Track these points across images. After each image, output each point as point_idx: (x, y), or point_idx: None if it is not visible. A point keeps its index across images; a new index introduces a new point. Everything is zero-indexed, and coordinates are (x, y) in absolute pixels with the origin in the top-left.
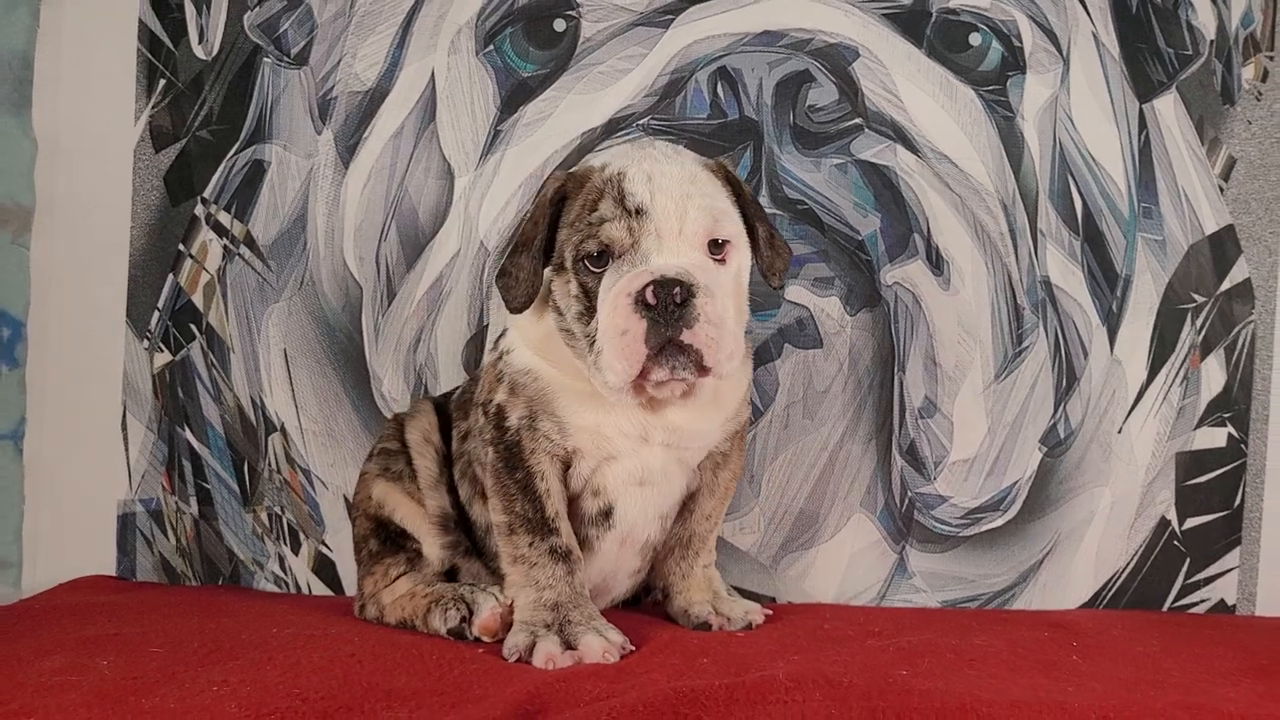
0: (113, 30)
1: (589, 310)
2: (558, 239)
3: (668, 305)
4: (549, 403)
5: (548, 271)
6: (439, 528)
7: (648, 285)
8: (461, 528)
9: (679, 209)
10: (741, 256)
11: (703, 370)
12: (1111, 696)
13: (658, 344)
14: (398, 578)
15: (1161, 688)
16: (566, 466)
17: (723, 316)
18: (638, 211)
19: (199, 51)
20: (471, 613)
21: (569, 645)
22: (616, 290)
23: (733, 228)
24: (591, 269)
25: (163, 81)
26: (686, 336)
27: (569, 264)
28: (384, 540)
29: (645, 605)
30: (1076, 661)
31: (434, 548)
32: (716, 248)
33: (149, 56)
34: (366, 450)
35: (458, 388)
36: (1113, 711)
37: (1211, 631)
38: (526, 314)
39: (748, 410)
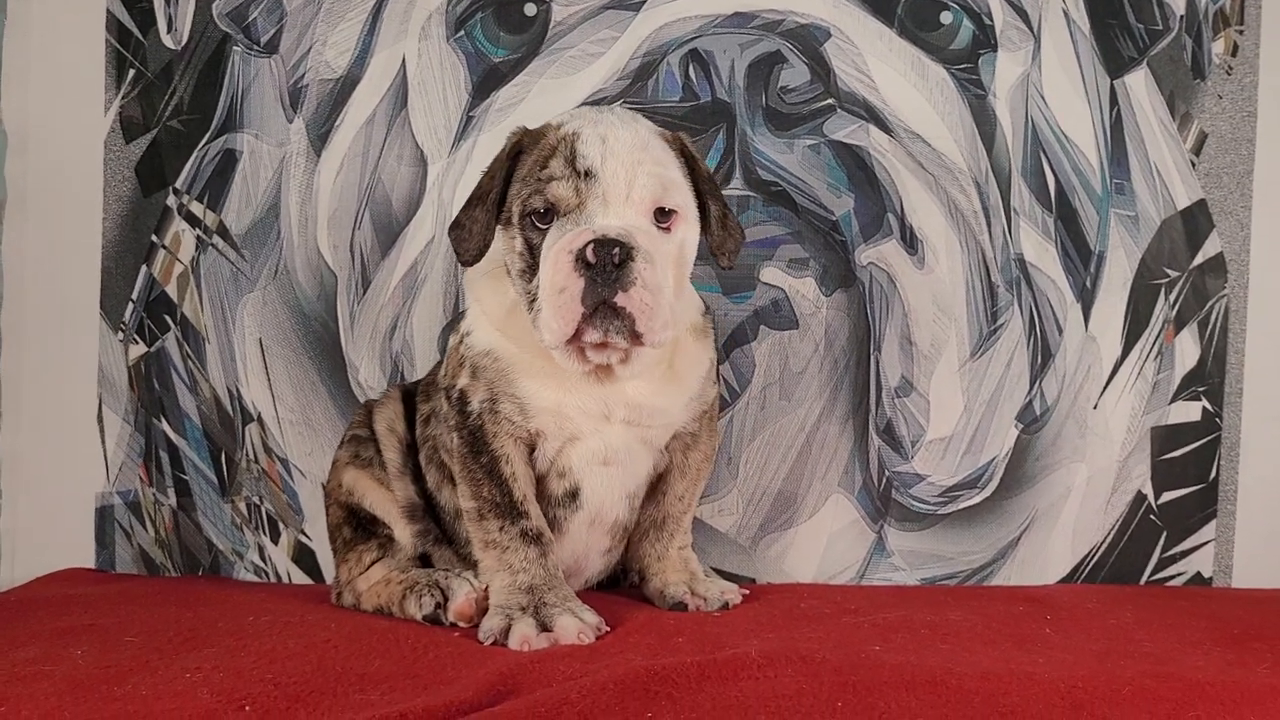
0: (81, 21)
1: (531, 267)
2: (509, 193)
3: (606, 265)
4: (509, 384)
5: (498, 228)
6: (408, 517)
7: (588, 244)
8: (430, 515)
9: (628, 174)
10: (687, 229)
11: (635, 337)
12: (1081, 667)
13: (593, 304)
14: (372, 564)
15: (1132, 658)
16: (531, 449)
17: (660, 284)
18: (587, 174)
19: (168, 41)
20: (446, 598)
21: (544, 627)
22: (558, 247)
23: (680, 199)
24: (537, 225)
25: (132, 72)
26: (621, 299)
27: (515, 219)
28: (356, 527)
29: (623, 588)
30: (1049, 634)
31: (404, 533)
32: (663, 216)
33: (118, 47)
34: None
35: (427, 373)
36: (1081, 681)
37: (1186, 603)
38: (488, 287)
39: (715, 390)
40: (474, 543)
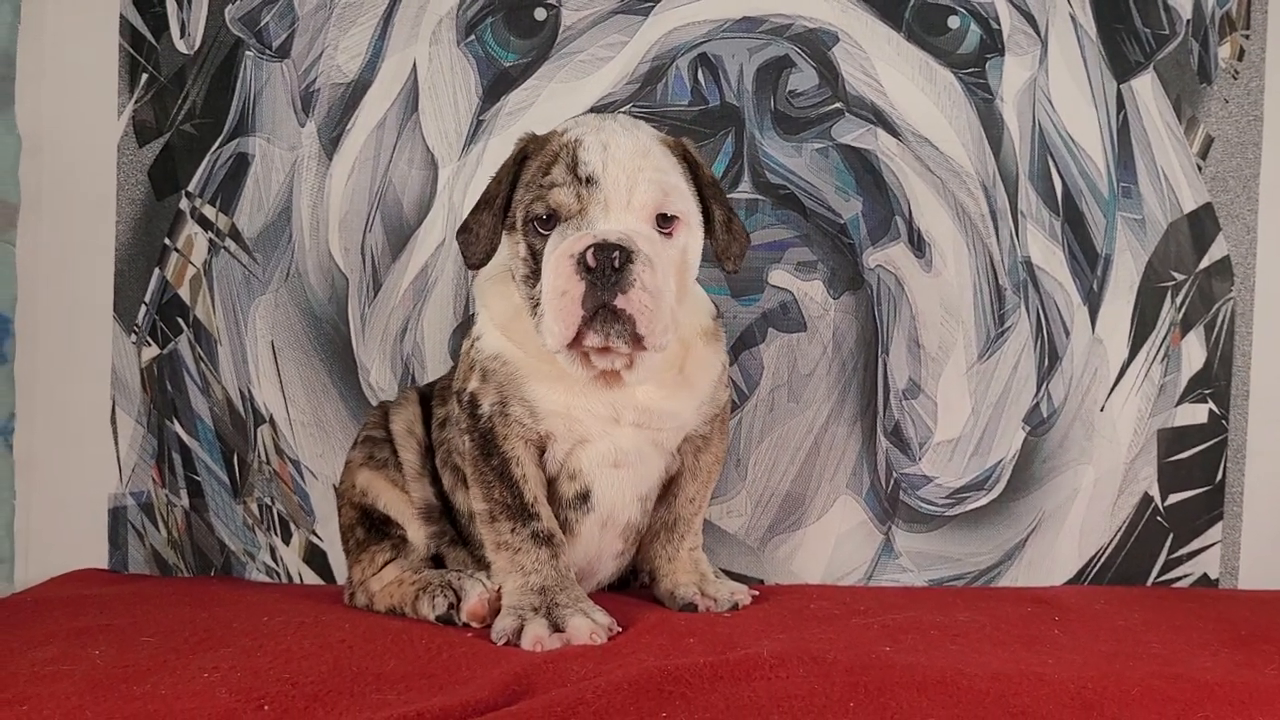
0: (94, 25)
1: (535, 272)
2: (514, 199)
3: (606, 269)
4: (519, 387)
5: (504, 233)
6: (423, 518)
7: (589, 248)
8: (446, 517)
9: (629, 180)
10: (690, 235)
11: (636, 340)
12: (1090, 668)
13: (593, 307)
14: (385, 565)
15: (1141, 659)
16: (542, 451)
17: (661, 288)
18: (589, 180)
19: (181, 45)
20: (459, 599)
21: (557, 628)
22: (560, 252)
23: (683, 205)
24: (539, 231)
25: (145, 76)
26: (621, 302)
27: (519, 225)
28: (369, 528)
29: (633, 589)
30: (1058, 635)
31: (419, 534)
32: (665, 222)
33: (131, 51)
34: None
35: (442, 376)
36: (1091, 682)
37: (1193, 605)
38: (494, 291)
39: (726, 393)
40: (486, 544)
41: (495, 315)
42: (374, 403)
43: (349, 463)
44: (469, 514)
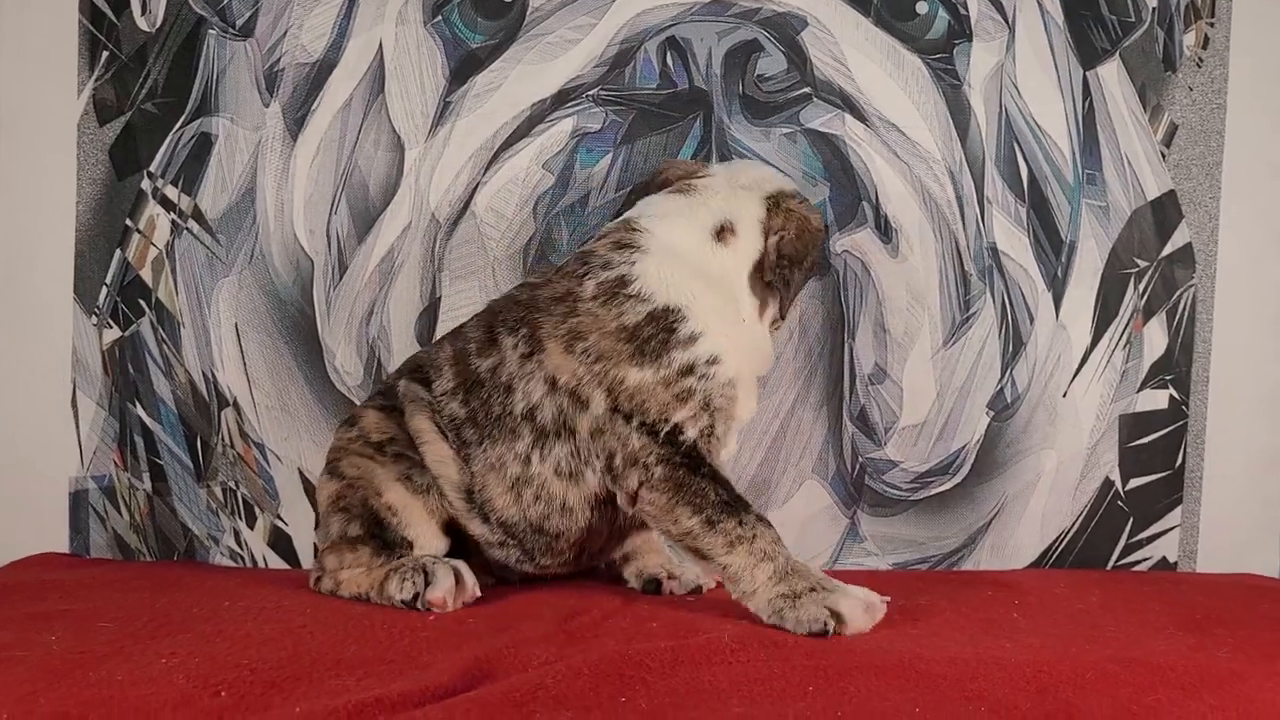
0: (54, 2)
1: None
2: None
3: None
4: (732, 404)
5: None
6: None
7: None
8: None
9: None
10: None
11: None
12: (1046, 651)
13: None
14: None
15: (1096, 642)
16: None
17: None
18: None
19: (142, 23)
20: (428, 583)
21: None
22: None
23: None
24: None
25: (105, 54)
26: None
27: None
28: (372, 535)
29: (600, 573)
30: (1017, 619)
31: (437, 546)
32: None
33: (91, 29)
34: (320, 423)
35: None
36: (1047, 665)
37: (1150, 588)
38: (718, 292)
39: None
40: (716, 551)
41: (718, 317)
42: (340, 386)
43: (380, 472)
44: (555, 533)
